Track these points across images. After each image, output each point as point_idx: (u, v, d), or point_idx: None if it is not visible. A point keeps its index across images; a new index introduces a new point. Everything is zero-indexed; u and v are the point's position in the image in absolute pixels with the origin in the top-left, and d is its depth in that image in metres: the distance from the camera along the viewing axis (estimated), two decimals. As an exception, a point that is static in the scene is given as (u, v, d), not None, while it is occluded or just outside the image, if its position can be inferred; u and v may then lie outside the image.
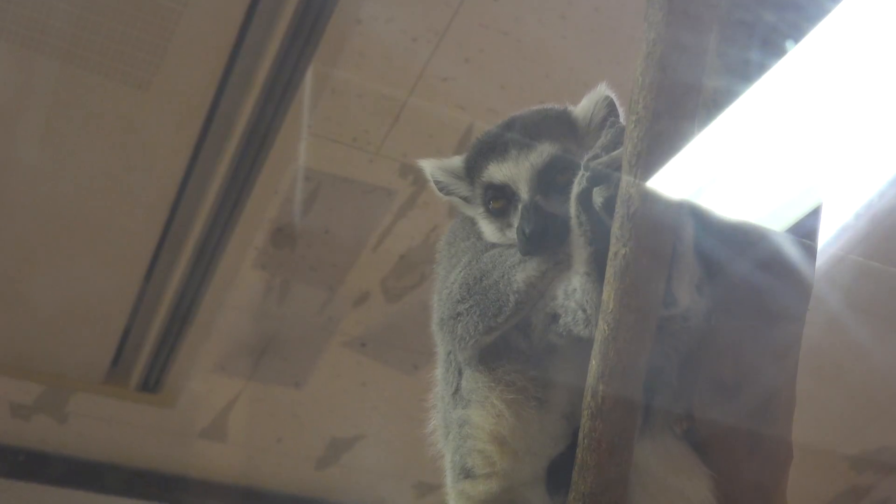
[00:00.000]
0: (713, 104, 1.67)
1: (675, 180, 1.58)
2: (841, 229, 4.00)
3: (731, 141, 1.68)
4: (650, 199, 1.59)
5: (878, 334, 4.98)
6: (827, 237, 1.80)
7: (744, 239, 1.73)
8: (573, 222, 1.78)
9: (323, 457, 5.71)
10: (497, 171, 1.98)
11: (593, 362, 1.75)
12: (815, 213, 1.78)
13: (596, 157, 1.72)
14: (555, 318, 1.84)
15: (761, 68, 1.64)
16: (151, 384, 5.18)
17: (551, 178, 1.92)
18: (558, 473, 1.88)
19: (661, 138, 1.55)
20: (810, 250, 1.77)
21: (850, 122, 1.75)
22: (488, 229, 2.02)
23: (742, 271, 1.78)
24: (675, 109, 1.52)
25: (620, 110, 1.99)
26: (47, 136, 4.00)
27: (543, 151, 1.93)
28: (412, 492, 5.92)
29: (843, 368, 5.06)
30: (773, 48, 1.68)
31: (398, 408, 5.41)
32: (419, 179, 4.42)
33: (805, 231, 1.75)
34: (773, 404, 1.97)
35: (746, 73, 1.67)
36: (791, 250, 1.73)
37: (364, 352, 5.18)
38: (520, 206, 1.92)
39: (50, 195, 4.31)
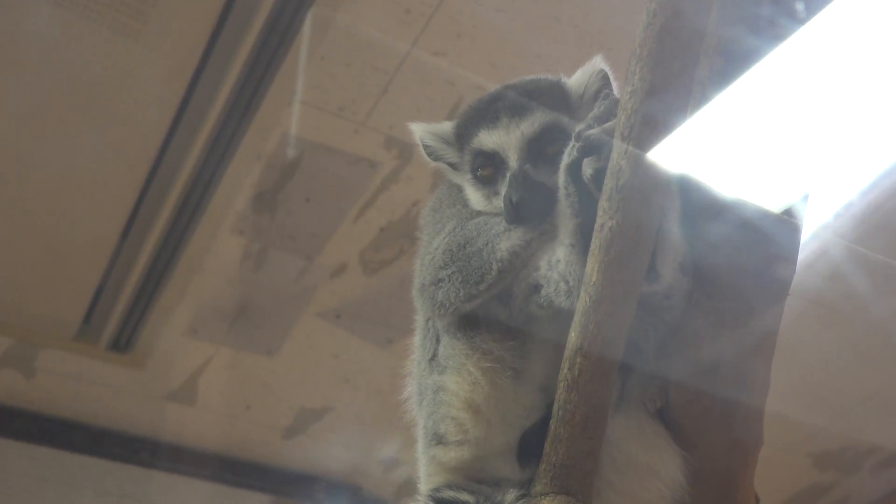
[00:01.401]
0: (710, 82, 1.66)
1: (666, 155, 1.58)
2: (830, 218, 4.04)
3: (726, 121, 1.68)
4: (640, 172, 1.59)
5: (848, 334, 5.03)
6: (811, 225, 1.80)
7: (731, 216, 1.72)
8: (561, 193, 1.78)
9: (291, 426, 5.69)
10: (487, 139, 1.97)
11: (572, 334, 1.75)
12: (802, 200, 1.78)
13: (588, 128, 1.72)
14: (537, 288, 1.84)
15: (760, 51, 1.64)
16: (122, 344, 5.13)
17: (541, 148, 1.92)
18: (530, 444, 1.89)
19: (656, 112, 1.55)
20: (796, 232, 1.77)
21: (844, 111, 1.75)
22: (475, 197, 2.01)
23: (726, 251, 1.78)
24: (672, 83, 1.52)
25: (614, 84, 1.99)
26: (34, 83, 3.94)
27: (535, 121, 1.92)
28: (379, 466, 5.92)
29: (811, 366, 5.10)
30: (772, 30, 1.68)
31: (370, 381, 5.41)
32: (404, 153, 4.41)
33: (793, 215, 1.76)
34: (747, 388, 1.98)
35: (745, 54, 1.66)
36: (777, 232, 1.74)
37: (338, 323, 5.16)
38: (508, 175, 1.92)
39: (29, 143, 4.25)
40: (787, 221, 1.73)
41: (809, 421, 5.51)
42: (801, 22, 1.73)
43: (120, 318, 4.97)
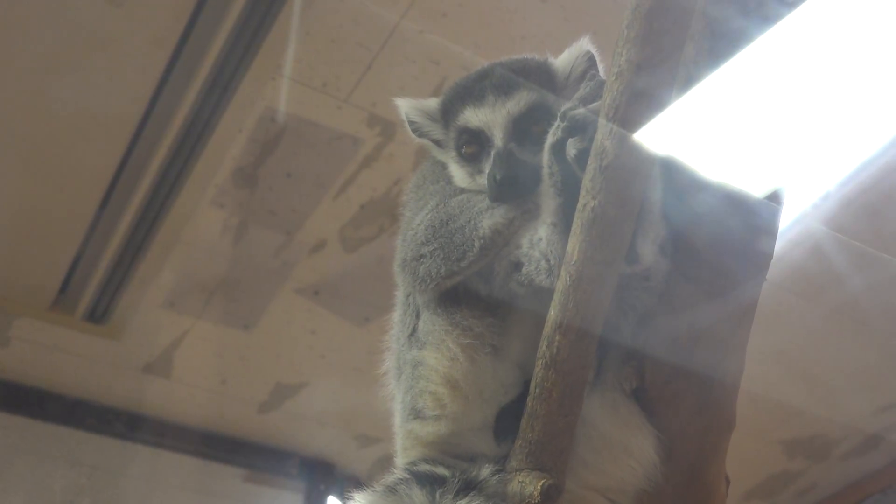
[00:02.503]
0: (696, 65, 1.67)
1: (651, 137, 1.59)
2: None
3: (711, 104, 1.69)
4: (624, 153, 1.60)
5: (825, 323, 5.08)
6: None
7: (713, 199, 1.74)
8: (545, 172, 1.79)
9: (266, 401, 5.70)
10: (473, 116, 1.97)
11: (552, 312, 1.77)
12: (785, 184, 1.80)
13: (573, 108, 1.73)
14: (518, 266, 1.85)
15: (748, 34, 1.65)
16: (98, 315, 5.11)
17: (526, 127, 1.93)
18: (507, 421, 1.91)
19: (641, 94, 1.56)
20: (776, 216, 1.79)
21: (831, 95, 1.77)
22: (459, 174, 2.02)
23: (705, 234, 1.79)
24: (659, 65, 1.52)
25: (601, 66, 2.00)
26: (11, 45, 3.89)
27: (521, 100, 1.93)
28: (353, 443, 5.94)
29: (785, 353, 5.16)
30: (761, 14, 1.69)
31: (346, 359, 5.42)
32: (386, 130, 4.40)
33: (776, 198, 1.77)
34: (722, 371, 2.01)
35: (732, 37, 1.68)
36: (758, 215, 1.75)
37: (316, 300, 5.16)
38: (493, 153, 1.93)
39: (6, 110, 4.21)
40: (768, 204, 1.74)
41: (781, 408, 5.57)
42: (790, 6, 1.74)
43: (97, 289, 4.94)
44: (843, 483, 6.22)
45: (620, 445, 1.92)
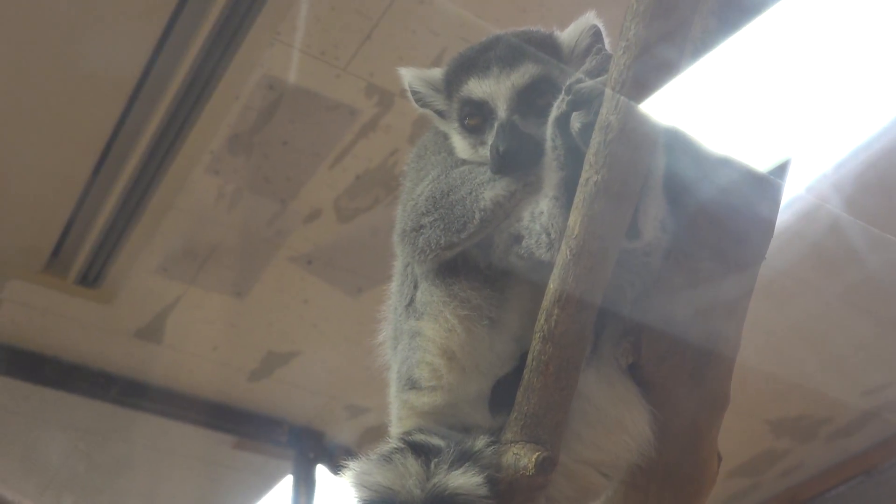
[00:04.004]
0: (703, 40, 1.67)
1: (656, 112, 1.58)
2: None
3: (717, 79, 1.69)
4: (629, 128, 1.60)
5: (814, 304, 5.11)
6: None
7: (717, 175, 1.74)
8: (548, 145, 1.79)
9: (257, 369, 5.71)
10: (477, 87, 1.96)
11: (551, 286, 1.77)
12: (788, 161, 1.80)
13: (579, 81, 1.72)
14: (518, 239, 1.85)
15: (756, 9, 1.64)
16: (91, 279, 5.09)
17: (531, 100, 1.92)
18: (502, 393, 1.91)
19: (648, 68, 1.55)
20: (779, 192, 1.79)
21: (837, 72, 1.76)
22: (461, 145, 2.01)
23: (707, 211, 1.79)
24: (667, 40, 1.52)
25: (606, 41, 1.98)
26: (10, 9, 3.86)
27: (526, 72, 1.92)
28: (343, 413, 5.96)
29: (774, 334, 5.18)
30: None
31: (338, 328, 5.43)
32: (384, 101, 4.38)
33: (779, 174, 1.77)
34: (718, 349, 2.02)
35: (740, 12, 1.67)
36: (760, 192, 1.75)
37: (310, 269, 5.16)
38: (496, 125, 1.92)
39: (1, 73, 4.17)
40: (771, 181, 1.74)
41: (769, 388, 5.61)
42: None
43: (90, 253, 4.92)
44: (829, 463, 6.28)
45: (615, 420, 1.93)
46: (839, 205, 4.43)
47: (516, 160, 1.86)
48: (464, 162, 1.99)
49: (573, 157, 1.73)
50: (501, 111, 1.93)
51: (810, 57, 1.74)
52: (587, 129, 1.67)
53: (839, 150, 3.94)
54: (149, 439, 5.88)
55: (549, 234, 1.79)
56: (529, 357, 1.83)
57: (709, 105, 1.73)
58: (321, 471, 6.04)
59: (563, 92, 1.74)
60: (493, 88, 1.94)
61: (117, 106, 4.23)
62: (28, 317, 5.32)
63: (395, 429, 2.03)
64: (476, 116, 1.97)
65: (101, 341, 5.48)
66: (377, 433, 5.73)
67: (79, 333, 5.42)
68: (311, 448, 6.05)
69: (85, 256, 4.95)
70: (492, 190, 1.86)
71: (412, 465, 1.83)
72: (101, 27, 3.91)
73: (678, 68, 1.57)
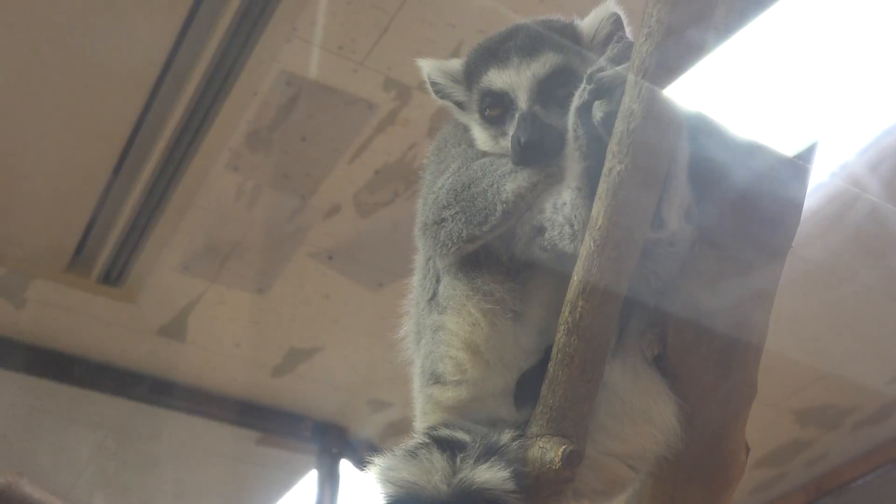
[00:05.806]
0: (725, 26, 1.64)
1: (679, 100, 1.56)
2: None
3: (741, 65, 1.66)
4: (652, 116, 1.57)
5: (840, 292, 5.05)
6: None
7: (742, 164, 1.71)
8: (570, 135, 1.76)
9: (280, 365, 5.72)
10: (497, 78, 1.95)
11: (575, 277, 1.75)
12: (812, 148, 1.77)
13: (600, 69, 1.70)
14: (541, 231, 1.83)
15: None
16: (113, 277, 5.12)
17: (551, 90, 1.90)
18: (527, 387, 1.89)
19: (671, 55, 1.53)
20: (805, 178, 1.76)
21: (860, 57, 1.73)
22: (481, 137, 1.99)
23: (735, 198, 1.77)
24: (689, 26, 1.49)
25: (627, 29, 1.96)
26: (25, 7, 3.87)
27: (546, 62, 1.90)
28: (366, 408, 5.96)
29: (799, 323, 5.14)
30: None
31: (359, 323, 5.43)
32: (402, 94, 4.36)
33: (805, 159, 1.74)
34: (744, 339, 1.99)
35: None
36: (787, 179, 1.73)
37: (330, 264, 5.16)
38: (517, 115, 1.90)
39: (23, 75, 4.19)
40: (799, 166, 1.71)
41: (794, 377, 5.56)
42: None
43: (112, 252, 4.95)
44: (855, 452, 6.22)
45: (641, 412, 1.91)
46: (873, 189, 4.37)
47: (538, 151, 1.84)
48: (484, 154, 1.97)
49: (596, 147, 1.71)
50: (522, 102, 1.91)
51: (833, 39, 1.71)
52: (609, 118, 1.65)
53: (869, 131, 3.88)
54: (175, 436, 5.91)
55: (572, 226, 1.77)
56: (554, 350, 1.81)
57: (733, 89, 1.70)
58: (345, 465, 6.05)
59: (584, 81, 1.72)
60: (514, 79, 1.92)
61: (137, 104, 4.25)
62: (52, 316, 5.36)
63: (420, 424, 2.01)
64: (496, 107, 1.96)
65: (125, 340, 5.51)
66: (400, 428, 5.76)
67: (103, 332, 5.45)
68: (335, 443, 6.06)
69: (107, 255, 4.98)
70: (513, 181, 1.84)
71: (438, 460, 1.82)
72: (119, 25, 3.92)
73: (702, 53, 1.55)
